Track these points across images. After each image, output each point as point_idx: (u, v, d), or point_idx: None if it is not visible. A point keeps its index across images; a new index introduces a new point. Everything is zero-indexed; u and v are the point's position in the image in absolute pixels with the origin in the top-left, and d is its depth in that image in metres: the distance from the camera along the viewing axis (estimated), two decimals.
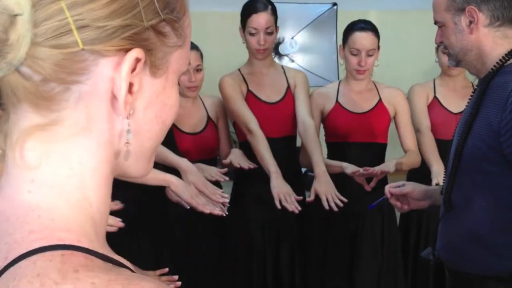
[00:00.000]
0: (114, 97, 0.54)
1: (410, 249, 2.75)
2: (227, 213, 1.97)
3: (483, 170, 1.50)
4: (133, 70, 0.54)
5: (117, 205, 1.67)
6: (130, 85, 0.55)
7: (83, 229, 0.53)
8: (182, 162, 1.99)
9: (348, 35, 2.49)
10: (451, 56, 1.61)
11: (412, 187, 1.82)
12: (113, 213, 1.66)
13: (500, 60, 1.51)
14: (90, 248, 0.51)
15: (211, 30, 4.91)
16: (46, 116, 0.52)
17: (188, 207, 2.03)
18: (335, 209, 2.19)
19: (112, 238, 1.97)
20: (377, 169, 2.34)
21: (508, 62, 1.51)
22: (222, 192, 1.96)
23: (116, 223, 1.61)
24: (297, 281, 2.54)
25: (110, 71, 0.53)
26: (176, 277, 1.57)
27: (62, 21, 0.50)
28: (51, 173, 0.54)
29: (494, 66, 1.52)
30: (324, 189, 2.22)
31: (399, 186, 1.85)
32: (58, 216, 0.52)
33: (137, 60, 0.54)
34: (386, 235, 2.57)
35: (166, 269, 1.61)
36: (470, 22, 1.52)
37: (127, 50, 0.53)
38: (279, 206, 2.18)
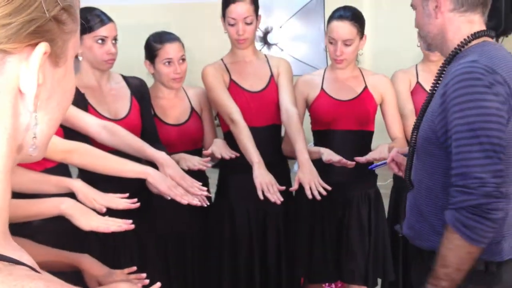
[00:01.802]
0: (19, 92, 0.54)
1: (400, 238, 2.73)
2: (208, 203, 1.95)
3: (430, 152, 1.55)
4: None
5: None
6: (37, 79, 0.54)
7: None
8: (159, 156, 1.96)
9: (328, 23, 2.46)
10: (422, 38, 1.66)
11: None
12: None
13: (458, 45, 1.53)
14: None
15: (206, 21, 4.88)
16: None
17: (169, 198, 2.02)
18: (318, 197, 2.18)
19: (100, 235, 1.98)
20: (371, 155, 2.32)
21: (466, 48, 1.53)
22: (201, 184, 1.93)
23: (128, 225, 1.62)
24: (284, 267, 2.53)
25: (17, 68, 0.53)
26: (144, 275, 1.56)
27: None
28: None
29: (452, 51, 1.54)
30: (308, 178, 2.20)
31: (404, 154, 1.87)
32: None
33: (44, 53, 0.53)
34: (373, 222, 2.56)
35: (134, 268, 1.59)
36: (436, 6, 1.54)
37: (33, 45, 0.53)
38: (261, 197, 2.16)
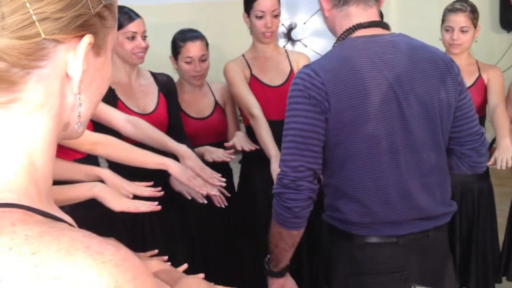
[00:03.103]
0: (66, 76, 0.64)
1: None
2: (226, 204, 2.06)
3: None
4: None
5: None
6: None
7: (25, 190, 0.61)
8: (180, 148, 2.05)
9: None
10: None
11: None
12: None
13: (338, 39, 1.60)
14: (31, 205, 0.59)
15: (234, 19, 4.96)
16: (3, 96, 0.61)
17: (190, 198, 2.14)
18: None
19: (128, 223, 2.08)
20: None
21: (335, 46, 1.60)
22: (223, 176, 2.01)
23: (154, 207, 1.71)
24: (304, 259, 2.61)
25: (65, 55, 0.62)
26: (166, 257, 1.62)
27: (25, 15, 0.58)
28: (2, 142, 0.62)
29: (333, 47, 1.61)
30: None
31: None
32: (3, 179, 0.61)
33: (89, 44, 0.63)
34: None
35: (156, 251, 1.67)
36: (323, 6, 1.62)
37: (80, 36, 0.63)
38: None
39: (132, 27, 2.26)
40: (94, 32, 0.64)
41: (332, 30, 1.65)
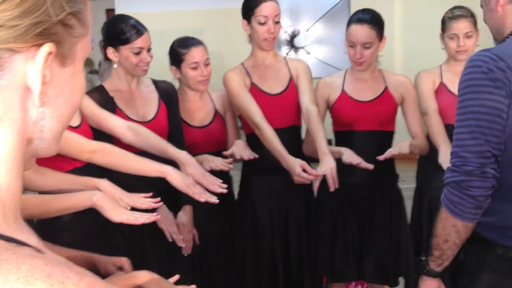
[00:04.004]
0: (27, 88, 0.59)
1: (423, 242, 2.73)
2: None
3: None
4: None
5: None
6: (43, 77, 0.59)
7: None
8: (180, 155, 2.02)
9: (347, 26, 2.51)
10: (492, 34, 1.66)
11: None
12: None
13: (504, 38, 1.55)
14: None
15: (237, 27, 4.97)
16: None
17: (171, 240, 2.19)
18: (336, 185, 2.21)
19: (127, 232, 2.06)
20: (392, 151, 2.36)
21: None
22: (222, 182, 1.98)
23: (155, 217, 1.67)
24: (306, 266, 2.58)
25: (24, 66, 0.58)
26: (194, 286, 1.51)
27: None
28: None
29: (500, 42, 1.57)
30: (324, 169, 2.23)
31: None
32: None
33: (49, 53, 0.59)
34: (395, 222, 2.59)
35: (177, 277, 1.57)
36: (497, 0, 1.57)
37: (40, 45, 0.58)
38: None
39: (139, 42, 2.24)
40: (57, 41, 0.60)
41: (497, 25, 1.60)
